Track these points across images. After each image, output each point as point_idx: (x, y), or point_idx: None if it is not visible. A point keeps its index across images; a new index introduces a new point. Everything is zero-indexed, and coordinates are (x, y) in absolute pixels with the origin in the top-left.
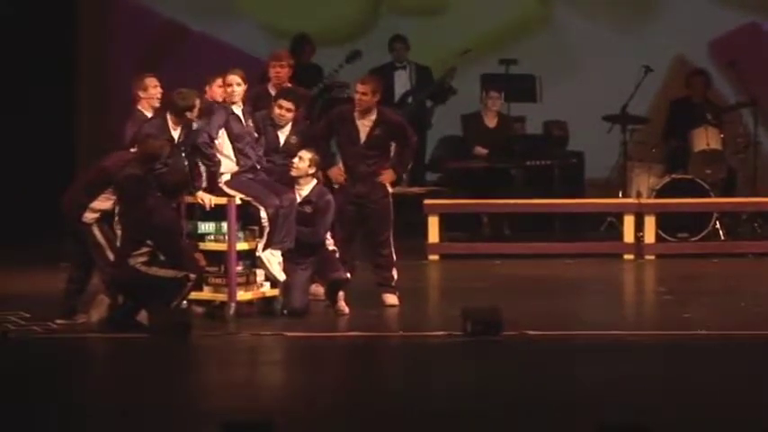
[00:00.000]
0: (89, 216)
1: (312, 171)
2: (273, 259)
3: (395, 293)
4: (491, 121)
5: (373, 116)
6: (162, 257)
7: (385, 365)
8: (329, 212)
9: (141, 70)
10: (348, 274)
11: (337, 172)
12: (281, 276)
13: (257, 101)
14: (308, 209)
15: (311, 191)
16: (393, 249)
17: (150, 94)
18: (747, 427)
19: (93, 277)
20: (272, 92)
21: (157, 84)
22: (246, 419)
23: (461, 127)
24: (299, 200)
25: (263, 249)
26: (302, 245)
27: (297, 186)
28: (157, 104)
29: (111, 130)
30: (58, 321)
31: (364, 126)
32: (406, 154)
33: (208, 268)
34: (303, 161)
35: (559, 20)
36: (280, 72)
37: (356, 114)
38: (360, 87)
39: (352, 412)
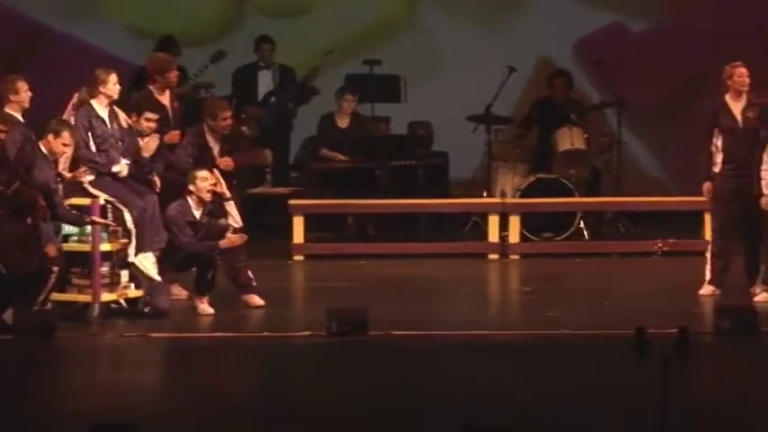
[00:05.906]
0: None
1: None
2: (147, 262)
3: (257, 293)
4: (343, 122)
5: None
6: None
7: (249, 366)
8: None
9: (2, 71)
10: None
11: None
12: (158, 277)
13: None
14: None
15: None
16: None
17: (21, 98)
18: (611, 427)
19: None
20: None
21: (28, 87)
22: (112, 420)
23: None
24: (203, 213)
25: (135, 255)
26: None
27: (200, 203)
28: (27, 107)
29: None
30: None
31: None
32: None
33: (72, 269)
34: (210, 179)
35: (424, 20)
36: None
37: (211, 138)
38: (224, 114)
39: (216, 413)
